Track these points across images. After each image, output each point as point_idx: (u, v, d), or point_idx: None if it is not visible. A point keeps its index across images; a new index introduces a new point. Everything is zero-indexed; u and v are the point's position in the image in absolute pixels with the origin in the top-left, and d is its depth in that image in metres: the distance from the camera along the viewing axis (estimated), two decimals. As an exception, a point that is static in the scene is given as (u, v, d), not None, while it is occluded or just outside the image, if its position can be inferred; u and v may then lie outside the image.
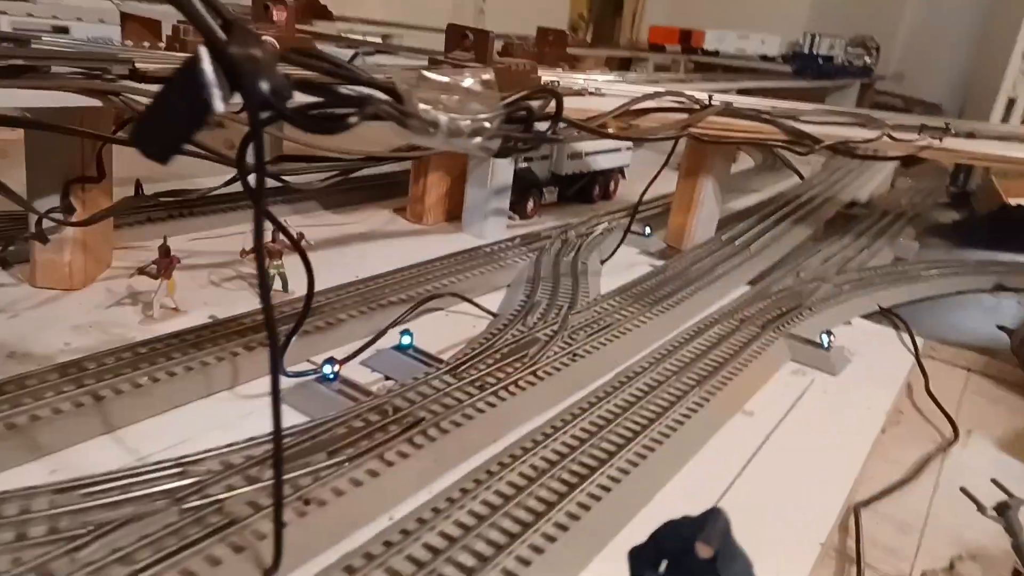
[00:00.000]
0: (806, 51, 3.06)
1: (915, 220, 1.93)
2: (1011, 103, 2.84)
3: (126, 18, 1.97)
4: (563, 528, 0.58)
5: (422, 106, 0.47)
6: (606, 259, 1.31)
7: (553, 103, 0.65)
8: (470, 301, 1.01)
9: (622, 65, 4.23)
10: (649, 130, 1.12)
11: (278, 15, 1.12)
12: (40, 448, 0.58)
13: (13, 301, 0.85)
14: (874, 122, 1.36)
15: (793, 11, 4.57)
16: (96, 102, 0.72)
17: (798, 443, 0.80)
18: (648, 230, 1.47)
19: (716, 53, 4.14)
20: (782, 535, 0.64)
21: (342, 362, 0.77)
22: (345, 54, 1.40)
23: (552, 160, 1.60)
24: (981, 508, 0.58)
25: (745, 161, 2.51)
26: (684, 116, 1.23)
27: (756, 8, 4.63)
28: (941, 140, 1.32)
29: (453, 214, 1.44)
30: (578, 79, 1.44)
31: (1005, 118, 2.85)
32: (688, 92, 1.32)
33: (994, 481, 0.63)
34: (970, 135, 1.42)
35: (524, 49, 1.63)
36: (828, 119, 1.37)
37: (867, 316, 1.22)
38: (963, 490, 0.59)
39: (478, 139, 0.51)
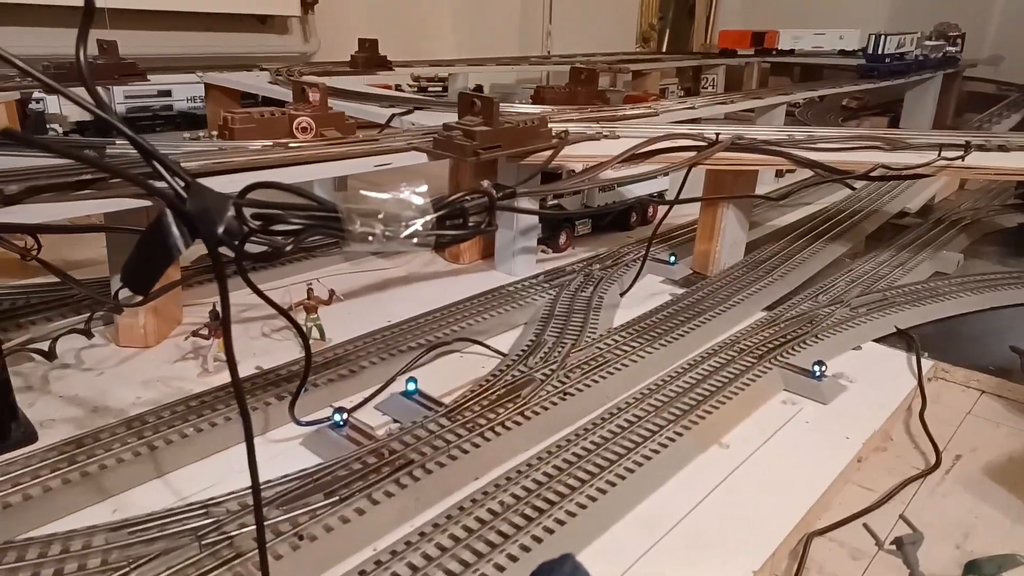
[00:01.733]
0: (870, 52, 2.98)
1: (971, 227, 1.88)
2: (1103, 87, 2.65)
3: (209, 88, 2.24)
4: (513, 559, 0.68)
5: (358, 222, 0.59)
6: (625, 291, 1.38)
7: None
8: (479, 343, 1.13)
9: (695, 74, 4.23)
10: (641, 174, 1.19)
11: (313, 96, 1.28)
12: (105, 491, 0.75)
13: (101, 360, 1.04)
14: (889, 144, 1.37)
15: (873, 4, 4.43)
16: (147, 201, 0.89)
17: (763, 475, 0.86)
18: (673, 258, 1.53)
19: (791, 52, 4.07)
20: (716, 565, 0.71)
21: (352, 410, 0.90)
22: (383, 114, 1.55)
23: (584, 194, 1.69)
24: (879, 542, 0.63)
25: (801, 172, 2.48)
26: (692, 154, 1.30)
27: (834, 4, 4.51)
28: (963, 159, 1.32)
29: (488, 251, 1.55)
30: (593, 126, 1.52)
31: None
32: (698, 130, 1.38)
33: (902, 516, 0.68)
34: (1002, 148, 1.40)
35: (555, 92, 1.73)
36: (843, 145, 1.39)
37: (882, 339, 1.24)
38: (865, 526, 0.65)
39: (413, 240, 0.62)
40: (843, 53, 3.95)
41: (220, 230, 0.51)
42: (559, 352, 1.09)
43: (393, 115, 1.52)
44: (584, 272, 1.44)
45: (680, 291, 1.42)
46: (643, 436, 0.88)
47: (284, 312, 0.68)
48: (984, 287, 1.43)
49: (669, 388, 1.01)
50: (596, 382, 1.02)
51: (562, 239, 1.64)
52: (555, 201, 1.62)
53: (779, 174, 2.27)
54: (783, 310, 1.31)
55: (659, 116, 1.76)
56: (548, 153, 1.27)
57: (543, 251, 1.63)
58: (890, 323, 1.27)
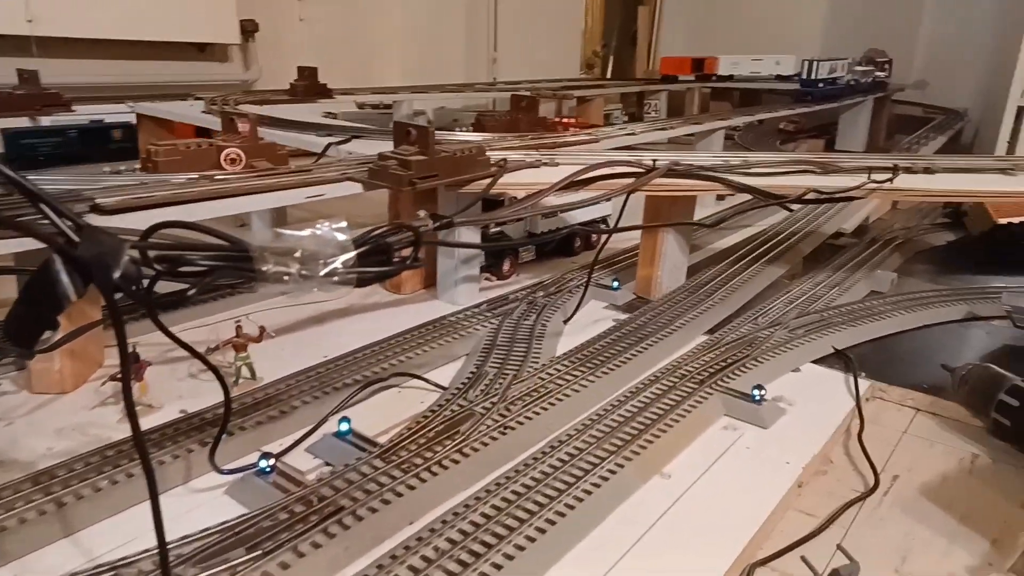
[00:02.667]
0: (804, 77, 3.08)
1: (904, 246, 1.94)
2: (1020, 111, 2.80)
3: (142, 119, 2.17)
4: (447, 607, 0.65)
5: (272, 262, 0.56)
6: (568, 318, 1.38)
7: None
8: (418, 377, 1.10)
9: (638, 100, 4.32)
10: (572, 203, 1.19)
11: (242, 127, 1.24)
12: (6, 555, 0.69)
13: (10, 409, 0.97)
14: (822, 168, 1.40)
15: (807, 31, 4.60)
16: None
17: (704, 505, 0.85)
18: (617, 283, 1.53)
19: (731, 78, 4.18)
20: (657, 603, 0.69)
21: (280, 454, 0.86)
22: (321, 143, 1.52)
23: (527, 221, 1.68)
24: (816, 573, 0.63)
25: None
26: (630, 181, 1.31)
27: (770, 32, 4.68)
28: (892, 181, 1.35)
29: (431, 281, 1.53)
30: (532, 153, 1.52)
31: (1015, 126, 2.81)
32: (636, 156, 1.39)
33: (839, 546, 0.67)
34: (927, 170, 1.44)
35: (496, 119, 1.73)
36: (778, 169, 1.41)
37: (820, 360, 1.26)
38: (803, 559, 0.64)
39: (333, 279, 0.60)
40: (780, 78, 4.08)
41: (116, 275, 0.47)
42: (500, 384, 1.06)
43: (329, 144, 1.49)
44: (527, 300, 1.43)
45: (624, 316, 1.42)
46: (584, 470, 0.87)
47: (197, 354, 0.64)
48: (917, 305, 1.47)
49: (611, 417, 0.99)
50: (538, 414, 1.00)
51: (506, 266, 1.63)
52: (498, 228, 1.61)
53: (720, 197, 2.31)
54: (724, 333, 1.31)
55: (600, 143, 1.77)
56: (487, 181, 1.26)
57: (487, 279, 1.61)
58: (827, 344, 1.29)
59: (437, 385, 1.09)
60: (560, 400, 1.04)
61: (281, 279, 0.57)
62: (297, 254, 0.58)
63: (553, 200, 1.47)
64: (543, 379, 1.10)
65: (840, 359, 1.25)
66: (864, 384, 1.17)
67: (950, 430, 1.08)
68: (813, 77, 3.07)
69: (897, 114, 4.05)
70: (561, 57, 4.53)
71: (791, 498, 0.89)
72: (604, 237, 1.87)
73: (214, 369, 0.70)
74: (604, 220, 1.92)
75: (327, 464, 0.89)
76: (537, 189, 1.23)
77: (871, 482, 0.94)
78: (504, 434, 0.94)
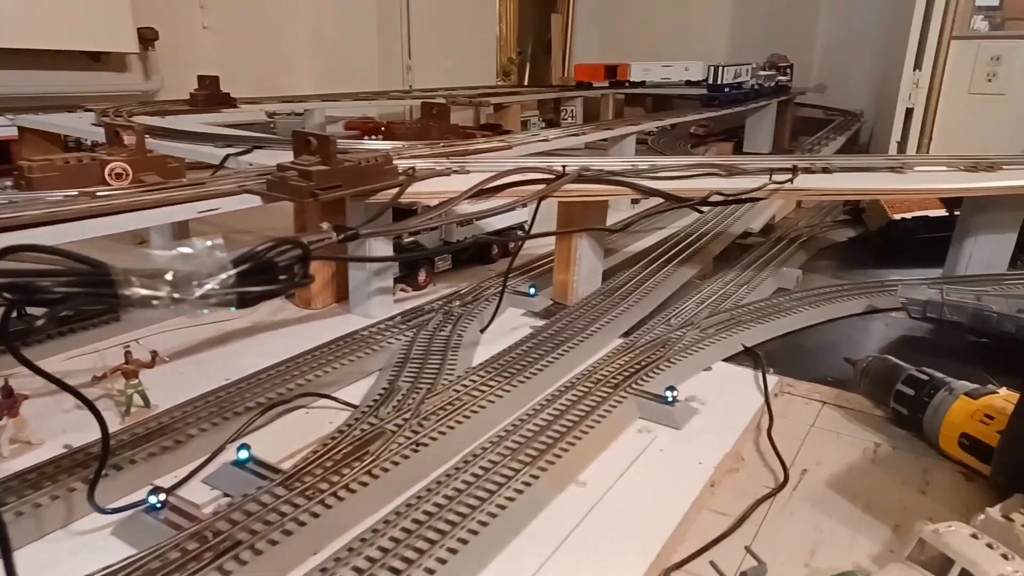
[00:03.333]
0: (711, 82, 3.18)
1: (808, 243, 2.02)
2: (909, 112, 2.96)
3: (24, 132, 2.03)
4: (351, 641, 0.62)
5: (138, 286, 0.52)
6: (485, 327, 1.36)
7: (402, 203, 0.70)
8: (326, 396, 1.05)
9: (555, 106, 4.36)
10: (484, 211, 1.17)
11: (128, 140, 1.17)
12: None
13: None
14: (727, 171, 1.43)
15: (714, 38, 4.76)
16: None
17: (620, 511, 0.84)
18: (533, 290, 1.52)
19: (643, 84, 4.26)
20: (572, 617, 0.68)
21: (173, 488, 0.81)
22: (219, 154, 1.46)
23: (442, 230, 1.66)
24: (724, 579, 0.63)
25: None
26: (540, 187, 1.30)
27: (679, 39, 4.81)
28: (792, 181, 1.40)
29: (343, 294, 1.48)
30: (443, 161, 1.49)
31: (905, 126, 2.98)
32: (547, 162, 1.39)
33: (747, 548, 0.68)
34: (825, 170, 1.50)
35: (406, 127, 1.70)
36: (684, 173, 1.44)
37: (731, 358, 1.28)
38: (712, 563, 0.64)
39: (210, 301, 0.55)
40: (689, 84, 4.20)
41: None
42: (414, 399, 1.03)
43: (228, 155, 1.42)
44: (443, 310, 1.40)
45: (541, 323, 1.41)
46: (498, 484, 0.85)
47: (63, 385, 0.59)
48: (820, 301, 1.52)
49: (527, 428, 0.98)
50: (452, 428, 0.97)
51: (421, 276, 1.60)
52: (412, 238, 1.58)
53: (635, 201, 2.35)
54: (638, 336, 1.32)
55: (513, 149, 1.76)
56: (395, 191, 1.23)
57: (402, 290, 1.57)
58: (737, 342, 1.31)
59: (347, 403, 1.05)
60: (475, 412, 1.02)
61: (149, 303, 0.52)
62: (168, 276, 0.53)
63: (467, 208, 1.45)
64: (458, 391, 1.07)
65: (750, 356, 1.28)
66: (773, 380, 1.20)
67: (854, 421, 1.12)
68: (719, 82, 3.17)
69: (800, 116, 4.23)
70: (477, 64, 4.52)
71: (705, 498, 0.90)
72: (521, 244, 1.87)
73: (85, 400, 0.64)
74: (522, 227, 1.92)
75: (225, 495, 0.84)
76: (447, 197, 1.21)
77: (781, 477, 0.95)
78: (416, 451, 0.91)
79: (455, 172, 1.38)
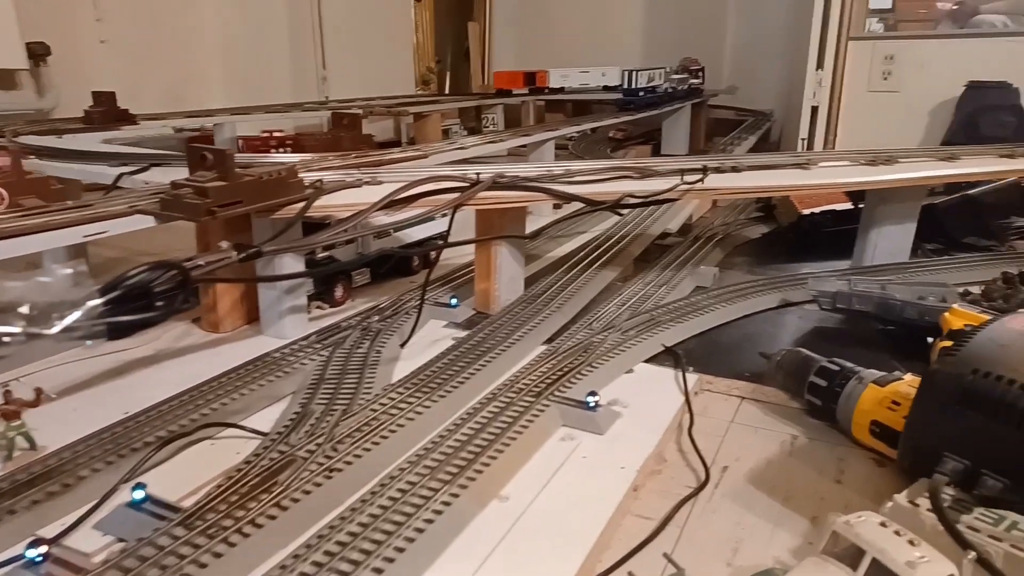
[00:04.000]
0: (625, 86, 3.24)
1: (724, 241, 2.06)
2: (815, 110, 3.09)
3: None
4: None
5: (-15, 323, 0.46)
6: (405, 341, 1.32)
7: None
8: (232, 425, 1.00)
9: (477, 114, 4.35)
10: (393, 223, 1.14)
11: (2, 161, 1.08)
12: None
13: None
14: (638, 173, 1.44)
15: (628, 43, 4.85)
16: None
17: (543, 523, 0.82)
18: (455, 300, 1.50)
19: (562, 90, 4.30)
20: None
21: (58, 537, 0.74)
22: (111, 174, 1.37)
23: (359, 243, 1.61)
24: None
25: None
26: (455, 196, 1.28)
27: (595, 44, 4.88)
28: (702, 181, 1.42)
29: (255, 315, 1.42)
30: (354, 172, 1.45)
31: (811, 124, 3.10)
32: (459, 171, 1.37)
33: (665, 555, 0.67)
34: (734, 169, 1.53)
35: (316, 139, 1.65)
36: (599, 176, 1.44)
37: (652, 358, 1.28)
38: (630, 574, 0.63)
39: (75, 334, 0.50)
40: (607, 89, 4.26)
41: None
42: (328, 422, 0.99)
43: (121, 174, 1.34)
44: (361, 326, 1.36)
45: (463, 334, 1.38)
46: (417, 505, 0.81)
47: None
48: (737, 297, 1.55)
49: (447, 444, 0.95)
50: (368, 450, 0.93)
51: (338, 292, 1.55)
52: (327, 253, 1.53)
53: (557, 206, 2.35)
54: (561, 341, 1.31)
55: (429, 158, 1.73)
56: (302, 205, 1.18)
57: (318, 307, 1.52)
58: (658, 342, 1.32)
59: (255, 431, 1.00)
60: (393, 432, 0.98)
61: None
62: (23, 309, 0.48)
63: (383, 219, 1.41)
64: (375, 411, 1.03)
65: (670, 356, 1.29)
66: (692, 378, 1.21)
67: (772, 414, 1.13)
68: (633, 86, 3.23)
69: (714, 118, 4.35)
70: (395, 74, 4.47)
71: (628, 503, 0.89)
72: (438, 254, 1.84)
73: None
74: (443, 236, 1.89)
75: (119, 540, 0.77)
76: (357, 210, 1.17)
77: (703, 476, 0.95)
78: (330, 478, 0.87)
79: (367, 183, 1.35)
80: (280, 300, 1.33)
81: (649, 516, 0.88)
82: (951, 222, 1.98)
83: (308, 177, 1.35)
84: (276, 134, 2.45)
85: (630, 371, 1.24)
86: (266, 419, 1.04)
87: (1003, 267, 1.51)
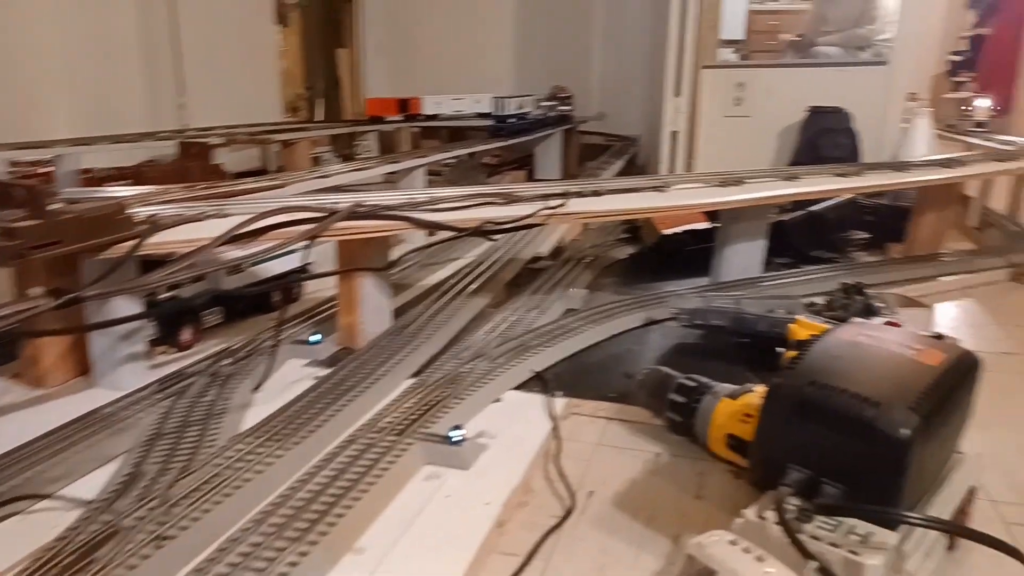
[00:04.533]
0: (496, 113, 3.27)
1: (593, 263, 2.10)
2: (675, 135, 3.24)
3: None
4: None
5: None
6: (258, 386, 1.23)
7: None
8: (41, 497, 0.88)
9: (350, 142, 4.26)
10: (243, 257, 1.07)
11: None
12: None
13: None
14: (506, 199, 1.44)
15: (501, 71, 4.93)
16: None
17: (401, 574, 0.77)
18: (317, 336, 1.42)
19: (436, 117, 4.30)
20: None
21: None
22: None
23: (208, 280, 1.50)
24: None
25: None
26: (309, 227, 1.21)
27: (468, 72, 4.93)
28: (565, 205, 1.43)
29: (87, 366, 1.28)
30: (199, 205, 1.36)
31: (672, 148, 3.25)
32: (316, 201, 1.31)
33: None
34: (596, 193, 1.56)
35: (160, 170, 1.53)
36: (463, 203, 1.42)
37: (521, 385, 1.27)
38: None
39: None
40: (480, 116, 4.31)
41: None
42: (163, 483, 0.89)
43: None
44: (210, 371, 1.25)
45: (325, 372, 1.31)
46: (259, 570, 0.74)
47: None
48: (604, 318, 1.57)
49: (299, 495, 0.88)
50: (208, 511, 0.85)
51: (185, 335, 1.43)
52: (170, 293, 1.41)
53: (431, 233, 2.32)
54: (429, 374, 1.27)
55: (287, 188, 1.65)
56: (132, 243, 1.08)
57: (163, 353, 1.40)
58: (527, 368, 1.31)
59: (76, 500, 0.88)
60: (238, 488, 0.90)
61: None
62: None
63: (237, 252, 1.32)
64: (219, 465, 0.94)
65: (539, 381, 1.28)
66: (560, 403, 1.20)
67: (637, 434, 1.14)
68: (504, 113, 3.27)
69: (584, 143, 4.49)
70: (261, 100, 4.30)
71: (493, 541, 0.86)
72: (299, 289, 1.76)
73: None
74: (305, 269, 1.80)
75: None
76: (198, 246, 1.08)
77: (569, 504, 0.94)
78: (161, 547, 0.78)
79: (211, 216, 1.26)
80: (115, 347, 1.21)
81: (514, 552, 0.85)
82: (798, 237, 2.11)
83: (147, 211, 1.24)
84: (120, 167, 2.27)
85: (498, 400, 1.21)
86: (92, 485, 0.93)
87: (844, 278, 1.62)
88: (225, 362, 1.29)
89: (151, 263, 1.24)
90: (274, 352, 1.24)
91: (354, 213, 1.27)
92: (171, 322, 1.39)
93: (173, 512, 0.83)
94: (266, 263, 1.64)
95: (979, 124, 3.32)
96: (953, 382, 0.72)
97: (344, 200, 1.37)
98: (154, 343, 1.37)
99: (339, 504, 0.86)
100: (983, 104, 3.40)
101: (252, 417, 1.13)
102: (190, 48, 3.70)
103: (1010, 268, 1.95)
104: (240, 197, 1.49)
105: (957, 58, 6.94)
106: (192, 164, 1.62)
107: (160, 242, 1.14)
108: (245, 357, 1.32)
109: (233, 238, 1.10)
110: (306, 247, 1.28)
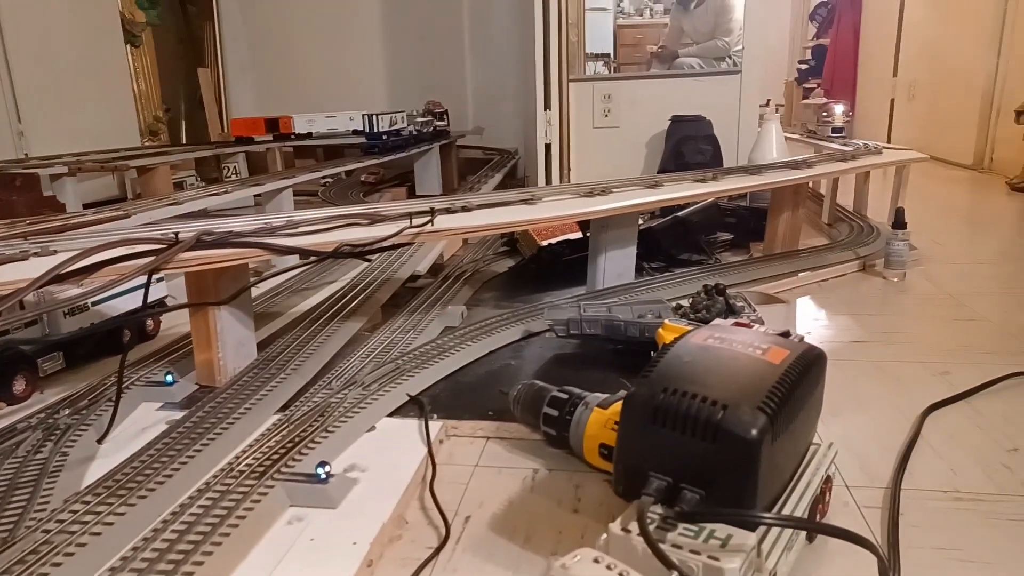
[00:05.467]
0: (368, 130, 3.21)
1: (473, 278, 2.08)
2: (548, 147, 3.29)
3: None
4: None
5: None
6: (103, 436, 1.12)
7: None
8: None
9: (216, 164, 4.05)
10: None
11: None
12: None
13: None
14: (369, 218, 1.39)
15: (373, 87, 4.85)
16: None
17: (256, 634, 0.71)
18: (170, 377, 1.32)
19: (309, 135, 4.16)
20: None
21: None
22: None
23: (44, 324, 1.36)
24: None
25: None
26: (150, 259, 1.12)
27: (338, 89, 4.82)
28: (432, 223, 1.40)
29: None
30: (20, 242, 1.23)
31: (547, 160, 3.30)
32: (159, 232, 1.21)
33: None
34: (464, 208, 1.54)
35: (-23, 203, 1.37)
36: (325, 225, 1.36)
37: (396, 411, 1.22)
38: None
39: None
40: (356, 133, 4.21)
41: None
42: (-21, 558, 0.78)
43: None
44: (45, 424, 1.13)
45: (181, 414, 1.21)
46: (89, 648, 0.66)
47: None
48: (482, 334, 1.55)
49: (142, 556, 0.80)
50: (35, 585, 0.75)
51: (19, 386, 1.29)
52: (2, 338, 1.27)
53: (303, 256, 2.22)
54: (297, 407, 1.20)
55: (132, 218, 1.53)
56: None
57: (-9, 408, 1.25)
58: (402, 392, 1.26)
59: None
60: (71, 555, 0.80)
61: None
62: None
63: (76, 290, 1.20)
64: (49, 531, 0.84)
65: (415, 405, 1.24)
66: (436, 426, 1.16)
67: (516, 451, 1.12)
68: (376, 130, 3.21)
69: (464, 158, 4.49)
70: (114, 125, 4.01)
71: (363, 582, 0.81)
72: (155, 326, 1.64)
73: None
74: (162, 302, 1.68)
75: None
76: (14, 288, 0.97)
77: (444, 532, 0.90)
78: (-31, 636, 0.68)
79: (35, 255, 1.13)
80: (-75, 408, 1.07)
81: (387, 592, 0.80)
82: (667, 242, 2.18)
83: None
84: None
85: (372, 429, 1.16)
86: None
87: (709, 279, 1.69)
88: (64, 412, 1.17)
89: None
90: (117, 397, 1.13)
91: (201, 242, 1.18)
92: (1, 372, 1.25)
93: (-12, 593, 0.73)
94: (115, 300, 1.51)
95: (836, 129, 3.52)
96: (799, 378, 0.75)
97: (193, 228, 1.27)
98: (-22, 398, 1.22)
99: (189, 560, 0.78)
100: (839, 110, 3.55)
101: (94, 472, 1.02)
102: (24, 74, 3.40)
103: (858, 260, 2.11)
104: (75, 232, 1.36)
105: (804, 66, 7.53)
106: (16, 198, 1.46)
107: (-27, 286, 1.01)
108: (88, 405, 1.20)
109: (56, 278, 1.00)
110: (156, 281, 1.18)
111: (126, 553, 0.80)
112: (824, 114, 3.55)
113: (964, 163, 4.58)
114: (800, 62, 7.66)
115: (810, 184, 2.72)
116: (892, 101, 5.88)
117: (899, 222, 1.97)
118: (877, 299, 1.86)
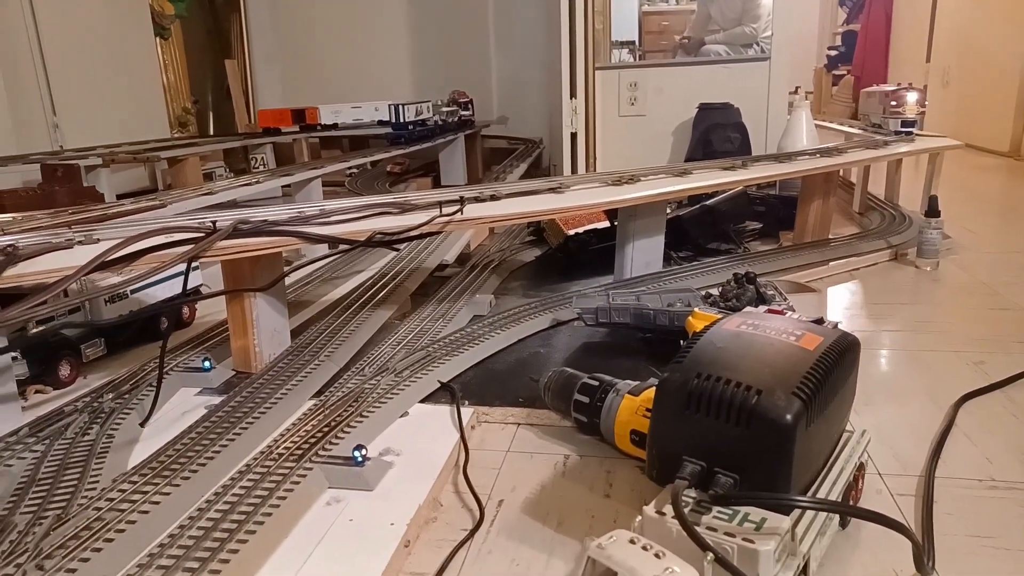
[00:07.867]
0: (394, 120, 3.23)
1: (500, 267, 2.10)
2: (574, 136, 3.29)
3: None
4: None
5: None
6: (145, 419, 1.16)
7: None
8: None
9: (245, 155, 4.10)
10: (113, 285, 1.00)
11: None
12: None
13: None
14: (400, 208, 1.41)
15: (399, 77, 4.87)
16: None
17: (300, 610, 0.74)
18: (208, 363, 1.35)
19: (335, 126, 4.20)
20: None
21: None
22: None
23: (87, 311, 1.40)
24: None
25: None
26: (187, 248, 1.15)
27: (366, 80, 4.84)
28: (461, 212, 1.42)
29: (-51, 414, 1.17)
30: (64, 232, 1.26)
31: (573, 149, 3.29)
32: (196, 220, 1.24)
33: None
34: (493, 197, 1.55)
35: (21, 196, 1.41)
36: (356, 215, 1.38)
37: (428, 397, 1.24)
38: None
39: None
40: (381, 123, 4.24)
41: None
42: (35, 533, 0.82)
43: None
44: (91, 408, 1.17)
45: (219, 399, 1.24)
46: (142, 620, 0.69)
47: None
48: (511, 322, 1.56)
49: (189, 534, 0.82)
50: (87, 560, 0.78)
51: (64, 371, 1.33)
52: (39, 329, 1.31)
53: (332, 245, 2.25)
54: (331, 393, 1.23)
55: (168, 207, 1.56)
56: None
57: (38, 392, 1.29)
58: (433, 379, 1.28)
59: (-70, 567, 0.80)
60: (122, 531, 0.83)
61: None
62: None
63: (114, 279, 1.24)
64: (100, 509, 0.87)
65: (447, 392, 1.25)
66: (468, 412, 1.18)
67: (547, 437, 1.14)
68: (402, 120, 3.23)
69: (489, 147, 4.50)
70: (145, 117, 4.08)
71: (399, 562, 0.83)
72: (191, 314, 1.67)
73: None
74: (197, 290, 1.71)
75: None
76: (63, 275, 1.00)
77: (478, 515, 0.92)
78: (29, 608, 0.71)
79: (80, 243, 1.17)
80: (-22, 391, 1.11)
81: (422, 572, 0.82)
82: (695, 231, 2.18)
83: (4, 241, 1.14)
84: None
85: (405, 414, 1.18)
86: (-48, 545, 0.84)
87: (739, 268, 1.68)
88: (108, 397, 1.21)
89: (12, 297, 1.14)
90: (159, 382, 1.16)
91: (237, 230, 1.21)
92: (45, 358, 1.29)
93: (46, 566, 0.76)
94: (152, 288, 1.55)
95: (907, 123, 2.56)
96: (833, 364, 0.75)
97: (229, 217, 1.30)
98: (28, 382, 1.27)
99: (234, 538, 0.81)
100: (912, 98, 2.54)
101: (139, 454, 1.06)
102: (59, 67, 3.47)
103: (890, 249, 2.08)
104: (114, 220, 1.40)
105: (833, 52, 7.40)
106: (58, 188, 1.50)
107: (19, 274, 1.05)
108: (131, 390, 1.24)
109: (101, 265, 1.03)
110: (192, 269, 1.21)
111: (173, 531, 0.83)
112: (893, 103, 2.58)
113: (1000, 150, 4.49)
114: (830, 48, 7.53)
115: (841, 172, 2.69)
116: (925, 87, 5.77)
117: (932, 210, 1.94)
118: (910, 288, 1.84)
